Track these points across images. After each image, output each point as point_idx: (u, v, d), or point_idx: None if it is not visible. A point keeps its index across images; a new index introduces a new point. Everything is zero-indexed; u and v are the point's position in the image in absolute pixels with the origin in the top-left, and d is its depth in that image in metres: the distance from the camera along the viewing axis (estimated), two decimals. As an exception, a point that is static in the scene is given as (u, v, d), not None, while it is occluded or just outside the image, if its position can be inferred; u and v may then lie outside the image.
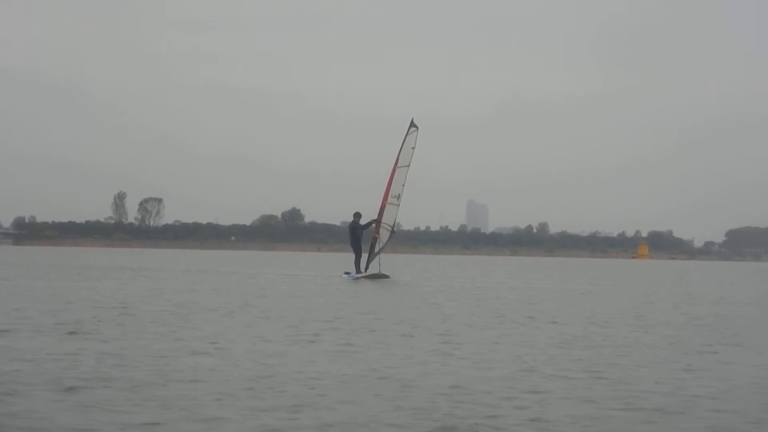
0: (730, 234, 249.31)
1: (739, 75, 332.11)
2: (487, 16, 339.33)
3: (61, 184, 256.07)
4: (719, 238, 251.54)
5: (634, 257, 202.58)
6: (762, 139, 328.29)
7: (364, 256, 40.07)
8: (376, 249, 40.14)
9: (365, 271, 40.13)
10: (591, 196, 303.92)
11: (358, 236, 40.63)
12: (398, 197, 40.19)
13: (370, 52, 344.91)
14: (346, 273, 41.20)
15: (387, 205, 40.05)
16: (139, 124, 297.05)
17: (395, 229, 40.50)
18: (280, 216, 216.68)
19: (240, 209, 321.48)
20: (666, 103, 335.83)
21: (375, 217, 39.95)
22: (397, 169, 40.12)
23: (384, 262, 40.30)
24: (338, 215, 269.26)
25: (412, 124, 40.61)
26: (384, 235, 40.20)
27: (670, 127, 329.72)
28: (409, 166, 40.25)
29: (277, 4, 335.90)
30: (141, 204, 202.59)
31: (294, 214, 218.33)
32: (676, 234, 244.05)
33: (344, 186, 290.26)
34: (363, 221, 40.21)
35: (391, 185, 40.15)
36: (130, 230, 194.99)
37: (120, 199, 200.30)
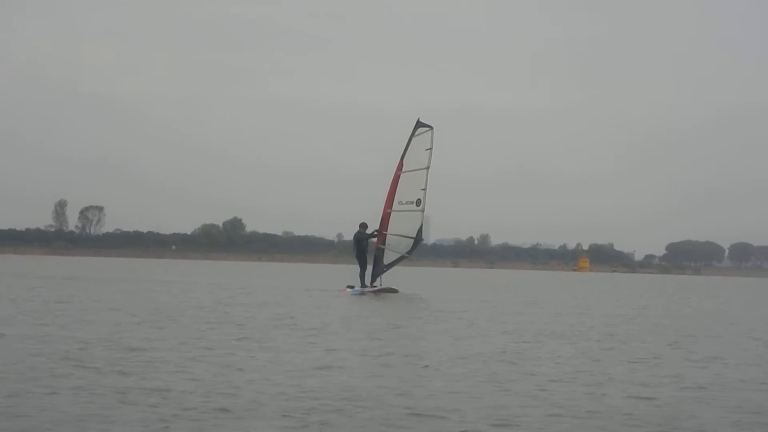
0: (671, 247, 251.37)
1: (683, 91, 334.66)
2: (429, 25, 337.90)
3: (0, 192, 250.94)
4: (660, 251, 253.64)
5: (575, 269, 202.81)
6: (704, 153, 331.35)
7: (370, 269, 38.68)
8: (388, 259, 38.48)
9: (371, 285, 38.53)
10: (532, 207, 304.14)
11: (363, 247, 39.00)
12: (417, 203, 38.06)
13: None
14: (350, 287, 39.49)
15: (395, 213, 38.42)
16: (77, 139, 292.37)
17: (423, 238, 38.35)
18: (221, 225, 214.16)
19: (181, 219, 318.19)
20: (609, 118, 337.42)
21: (381, 228, 38.50)
22: (408, 173, 38.33)
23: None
24: (280, 225, 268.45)
25: (421, 124, 38.92)
26: (402, 244, 38.40)
27: (613, 142, 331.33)
28: (428, 168, 38.26)
29: None
30: (82, 212, 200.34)
31: (235, 224, 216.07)
32: (617, 247, 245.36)
33: (287, 194, 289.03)
34: (369, 232, 38.72)
35: (395, 191, 38.51)
36: (71, 238, 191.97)
37: (61, 207, 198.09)
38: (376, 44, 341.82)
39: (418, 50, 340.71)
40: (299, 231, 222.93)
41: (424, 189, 38.01)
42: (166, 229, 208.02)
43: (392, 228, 38.47)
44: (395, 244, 38.49)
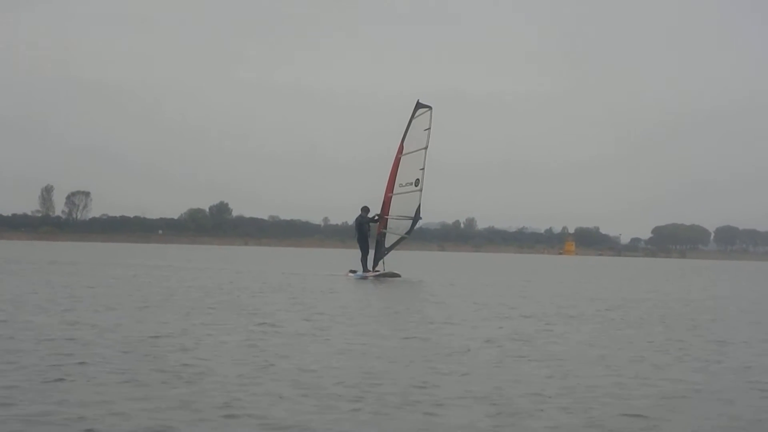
0: (656, 231, 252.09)
1: (672, 80, 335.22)
2: (430, 10, 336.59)
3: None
4: (646, 234, 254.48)
5: (560, 253, 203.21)
6: (690, 139, 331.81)
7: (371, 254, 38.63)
8: (389, 242, 38.39)
9: (373, 269, 38.46)
10: (518, 191, 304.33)
11: (365, 232, 38.92)
12: (416, 183, 37.84)
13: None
14: (352, 271, 39.46)
15: (396, 196, 38.30)
16: (65, 124, 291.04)
17: (421, 216, 38.16)
18: (207, 210, 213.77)
19: (168, 203, 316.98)
20: (597, 105, 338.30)
21: (382, 212, 38.40)
22: (408, 155, 38.25)
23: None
24: (266, 209, 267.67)
25: (420, 105, 38.80)
26: (402, 226, 38.32)
27: (600, 127, 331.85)
28: (426, 147, 38.11)
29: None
30: (68, 197, 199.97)
31: (222, 208, 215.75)
32: (603, 230, 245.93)
33: (273, 179, 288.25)
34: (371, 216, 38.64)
35: (396, 174, 38.41)
36: (57, 223, 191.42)
37: (47, 193, 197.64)
38: (363, 30, 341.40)
39: (405, 36, 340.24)
40: (285, 215, 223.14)
41: (423, 169, 37.83)
42: (153, 213, 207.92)
43: (393, 211, 38.36)
44: (396, 227, 38.40)
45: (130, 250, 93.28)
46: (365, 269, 38.55)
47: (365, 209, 38.99)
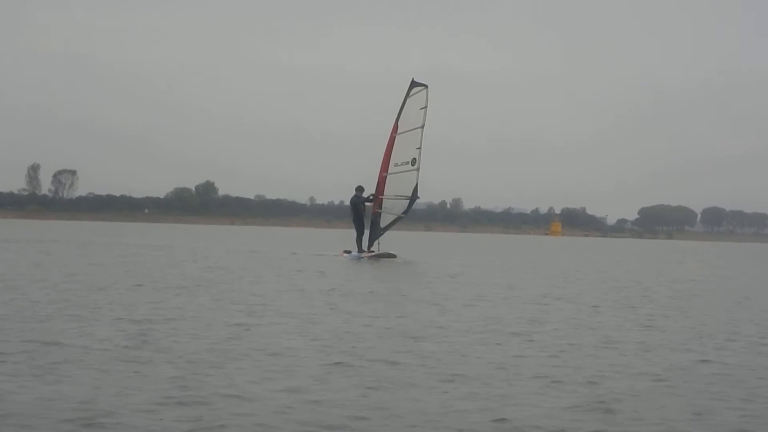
0: (643, 212, 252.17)
1: (662, 61, 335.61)
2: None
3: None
4: (632, 215, 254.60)
5: (547, 234, 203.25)
6: (677, 120, 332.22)
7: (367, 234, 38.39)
8: (384, 222, 38.10)
9: (368, 249, 38.19)
10: (505, 172, 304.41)
11: (360, 212, 38.65)
12: (412, 162, 37.52)
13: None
14: (347, 252, 39.18)
15: (391, 176, 37.98)
16: (51, 101, 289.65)
17: (419, 196, 37.86)
18: (194, 189, 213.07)
19: (154, 182, 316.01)
20: (585, 86, 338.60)
21: (377, 192, 38.12)
22: (404, 134, 37.94)
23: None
24: (252, 188, 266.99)
25: (416, 84, 38.49)
26: (398, 206, 38.05)
27: (587, 108, 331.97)
28: (423, 126, 37.73)
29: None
30: (55, 176, 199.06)
31: (208, 187, 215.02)
32: (590, 211, 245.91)
33: (259, 157, 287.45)
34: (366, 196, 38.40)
35: (391, 154, 38.12)
36: (44, 202, 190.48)
37: (34, 171, 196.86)
38: (350, 6, 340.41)
39: (394, 12, 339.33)
40: (271, 194, 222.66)
41: (419, 148, 37.51)
42: (139, 192, 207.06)
43: (388, 190, 38.08)
44: (391, 206, 38.12)
45: (117, 230, 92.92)
46: (360, 249, 38.32)
47: (360, 189, 38.73)
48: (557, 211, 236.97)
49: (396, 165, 37.96)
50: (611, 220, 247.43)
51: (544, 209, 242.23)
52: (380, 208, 38.19)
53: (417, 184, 37.29)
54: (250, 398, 9.16)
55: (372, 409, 8.84)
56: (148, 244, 48.46)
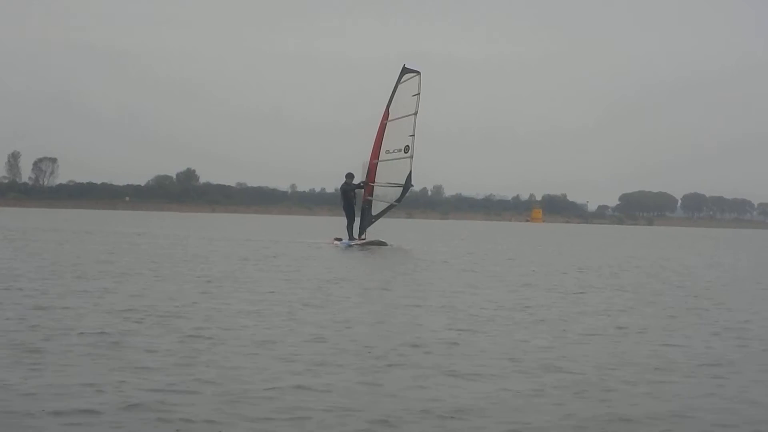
0: (624, 198, 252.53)
1: (649, 50, 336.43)
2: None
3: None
4: (613, 202, 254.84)
5: (528, 221, 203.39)
6: (658, 109, 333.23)
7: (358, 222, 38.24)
8: (375, 210, 38.00)
9: (359, 237, 38.04)
10: (486, 159, 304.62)
11: (350, 199, 38.45)
12: (405, 150, 37.30)
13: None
14: (337, 239, 39.05)
15: (382, 163, 37.80)
16: (31, 88, 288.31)
17: (413, 184, 37.79)
18: (174, 177, 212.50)
19: (135, 170, 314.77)
20: (567, 74, 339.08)
21: (368, 179, 37.93)
22: (395, 121, 37.66)
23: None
24: (233, 176, 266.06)
25: (407, 70, 38.29)
26: (390, 193, 37.96)
27: (569, 96, 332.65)
28: (416, 113, 37.48)
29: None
30: (35, 164, 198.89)
31: (189, 175, 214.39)
32: (570, 198, 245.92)
33: (239, 144, 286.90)
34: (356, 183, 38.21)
35: (382, 141, 37.93)
36: (24, 190, 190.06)
37: (14, 159, 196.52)
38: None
39: None
40: (252, 181, 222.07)
41: (412, 135, 37.30)
42: (120, 180, 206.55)
43: (380, 178, 37.87)
44: (383, 194, 37.97)
45: (98, 217, 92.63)
46: (351, 237, 38.18)
47: (350, 175, 38.47)
48: (538, 197, 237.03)
49: (387, 152, 37.75)
50: (592, 207, 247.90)
51: (525, 196, 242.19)
52: (371, 195, 38.02)
53: (411, 172, 37.16)
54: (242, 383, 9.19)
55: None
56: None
